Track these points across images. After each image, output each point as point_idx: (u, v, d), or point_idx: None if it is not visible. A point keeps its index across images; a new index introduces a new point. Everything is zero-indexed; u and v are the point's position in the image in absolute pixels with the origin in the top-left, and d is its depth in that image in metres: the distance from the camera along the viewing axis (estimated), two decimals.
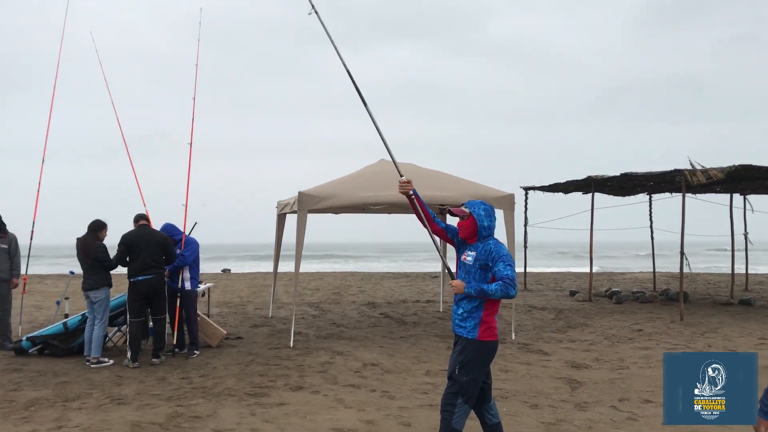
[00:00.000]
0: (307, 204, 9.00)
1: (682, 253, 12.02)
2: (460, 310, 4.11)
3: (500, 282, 3.91)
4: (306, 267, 19.10)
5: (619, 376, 7.15)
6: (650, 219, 17.35)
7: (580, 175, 14.17)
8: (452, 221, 4.65)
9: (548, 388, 6.60)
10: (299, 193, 9.02)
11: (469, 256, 4.14)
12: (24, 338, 8.21)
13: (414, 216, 4.53)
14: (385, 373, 7.21)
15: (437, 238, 4.59)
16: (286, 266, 12.90)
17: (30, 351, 8.09)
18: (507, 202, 9.61)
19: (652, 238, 17.51)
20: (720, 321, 11.58)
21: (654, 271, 18.86)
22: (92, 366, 7.46)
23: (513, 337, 9.50)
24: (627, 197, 16.73)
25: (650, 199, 17.02)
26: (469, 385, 3.99)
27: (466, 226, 4.17)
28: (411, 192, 4.32)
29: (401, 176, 4.35)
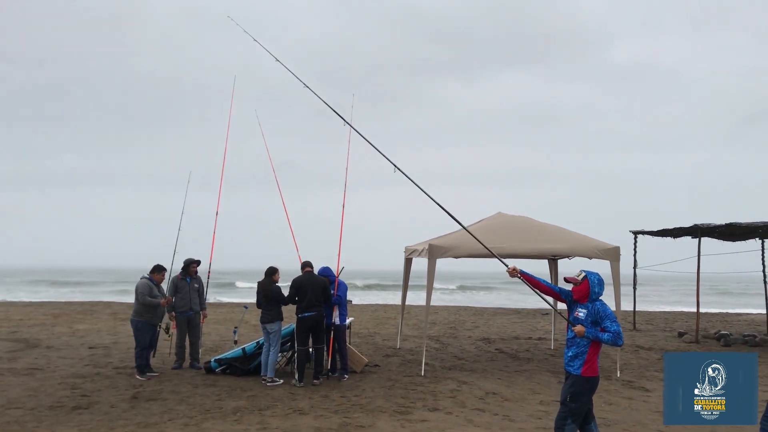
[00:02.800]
0: (436, 254, 10.64)
1: None
2: (570, 353, 5.55)
3: (611, 333, 5.30)
4: (421, 300, 20.65)
5: None
6: (762, 263, 17.66)
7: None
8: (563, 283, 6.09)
9: (646, 419, 7.78)
10: (429, 245, 10.69)
11: (581, 312, 5.57)
12: (213, 360, 10.31)
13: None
14: (504, 401, 8.63)
15: (548, 298, 6.02)
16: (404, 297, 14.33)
17: (216, 370, 10.17)
18: (613, 254, 10.80)
19: (765, 282, 17.77)
20: None
21: None
22: (268, 384, 9.38)
23: (618, 375, 10.60)
24: (737, 242, 17.20)
25: (762, 244, 17.36)
26: (577, 410, 5.41)
27: (580, 289, 5.59)
28: (518, 275, 5.75)
29: (509, 268, 5.76)
